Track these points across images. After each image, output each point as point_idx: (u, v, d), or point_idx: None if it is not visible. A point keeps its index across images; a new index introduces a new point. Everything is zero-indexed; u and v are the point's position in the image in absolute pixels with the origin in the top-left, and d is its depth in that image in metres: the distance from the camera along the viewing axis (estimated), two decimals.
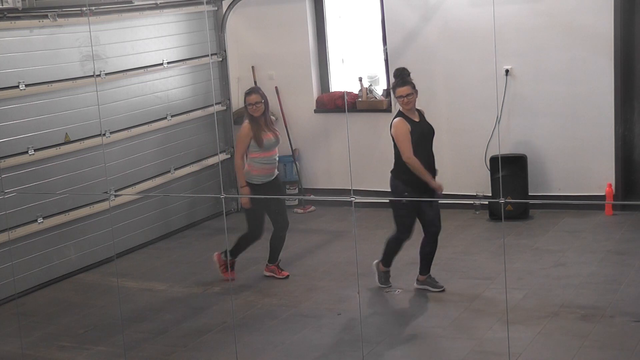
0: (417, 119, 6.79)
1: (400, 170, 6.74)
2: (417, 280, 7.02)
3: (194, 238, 9.25)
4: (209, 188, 9.75)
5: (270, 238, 7.58)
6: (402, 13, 9.41)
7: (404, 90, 6.69)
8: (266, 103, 7.39)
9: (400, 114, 6.78)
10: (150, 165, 9.02)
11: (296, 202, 10.18)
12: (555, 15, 8.72)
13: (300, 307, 6.87)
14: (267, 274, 7.64)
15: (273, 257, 7.64)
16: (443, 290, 6.91)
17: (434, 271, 7.24)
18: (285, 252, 7.66)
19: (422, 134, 6.77)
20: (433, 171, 6.78)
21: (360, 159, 9.75)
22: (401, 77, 6.76)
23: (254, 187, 7.33)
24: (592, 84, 8.68)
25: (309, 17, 10.13)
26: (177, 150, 9.39)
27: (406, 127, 6.67)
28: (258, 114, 7.30)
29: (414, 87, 6.73)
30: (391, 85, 7.01)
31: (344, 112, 9.88)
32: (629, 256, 7.44)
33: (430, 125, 6.86)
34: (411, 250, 7.80)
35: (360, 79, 9.91)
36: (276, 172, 7.48)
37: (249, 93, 7.36)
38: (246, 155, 7.38)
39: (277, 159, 7.48)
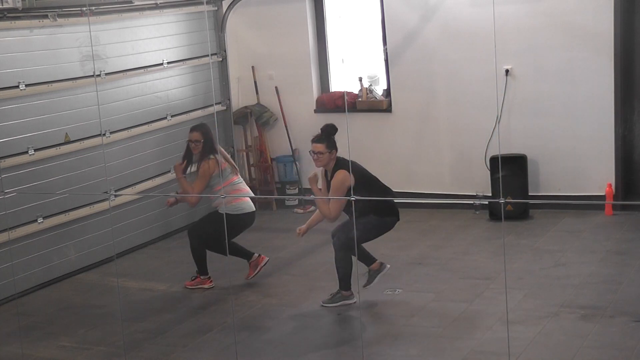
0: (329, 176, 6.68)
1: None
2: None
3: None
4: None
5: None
6: (402, 13, 9.41)
7: (315, 146, 6.62)
8: (208, 138, 7.33)
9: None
10: (150, 165, 9.02)
11: (296, 202, 10.18)
12: (555, 15, 8.72)
13: (300, 307, 6.87)
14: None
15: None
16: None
17: (434, 270, 7.24)
18: (285, 252, 7.64)
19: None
20: None
21: (360, 159, 9.65)
22: (322, 133, 6.63)
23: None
24: (592, 84, 8.68)
25: (309, 17, 10.13)
26: (177, 150, 9.34)
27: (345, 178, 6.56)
28: (196, 151, 7.36)
29: (330, 147, 6.59)
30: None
31: (344, 112, 9.87)
32: (629, 256, 7.44)
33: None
34: (413, 250, 7.81)
35: (360, 79, 9.91)
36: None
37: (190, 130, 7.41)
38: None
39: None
